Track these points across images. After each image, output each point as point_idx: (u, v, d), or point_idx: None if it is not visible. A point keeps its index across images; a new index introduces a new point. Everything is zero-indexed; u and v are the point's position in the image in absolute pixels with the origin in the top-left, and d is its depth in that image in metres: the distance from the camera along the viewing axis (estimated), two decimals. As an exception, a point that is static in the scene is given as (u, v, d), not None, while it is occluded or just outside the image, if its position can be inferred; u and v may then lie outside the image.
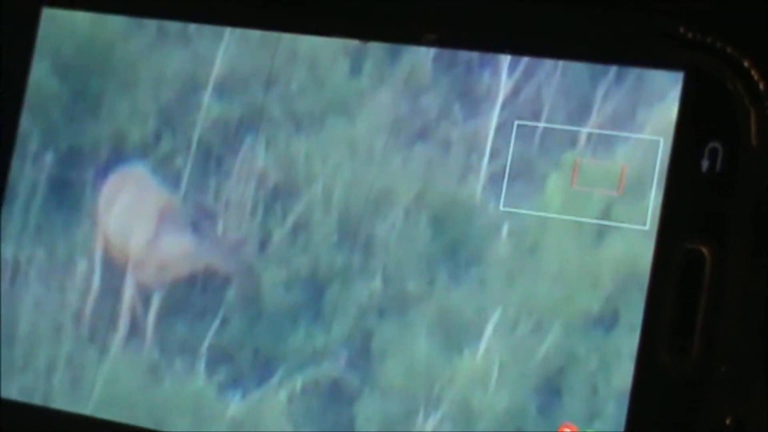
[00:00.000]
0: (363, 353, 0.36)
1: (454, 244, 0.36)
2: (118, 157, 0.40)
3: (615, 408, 0.33)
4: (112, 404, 0.39)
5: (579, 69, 0.35)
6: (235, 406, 0.37)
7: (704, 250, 0.32)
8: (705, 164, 0.33)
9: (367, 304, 0.36)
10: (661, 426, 0.33)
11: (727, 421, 0.32)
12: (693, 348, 0.33)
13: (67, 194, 0.41)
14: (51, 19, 0.42)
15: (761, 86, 0.32)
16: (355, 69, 0.38)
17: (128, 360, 0.39)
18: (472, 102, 0.36)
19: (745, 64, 0.33)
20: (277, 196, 0.38)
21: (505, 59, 0.35)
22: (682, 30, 0.33)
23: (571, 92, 0.35)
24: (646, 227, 0.33)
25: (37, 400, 0.40)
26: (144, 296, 0.39)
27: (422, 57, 0.36)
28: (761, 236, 0.33)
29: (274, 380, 0.37)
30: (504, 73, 0.36)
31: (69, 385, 0.39)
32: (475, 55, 0.36)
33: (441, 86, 0.36)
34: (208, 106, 0.39)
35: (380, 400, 0.35)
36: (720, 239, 0.32)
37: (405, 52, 0.37)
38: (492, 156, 0.35)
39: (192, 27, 0.39)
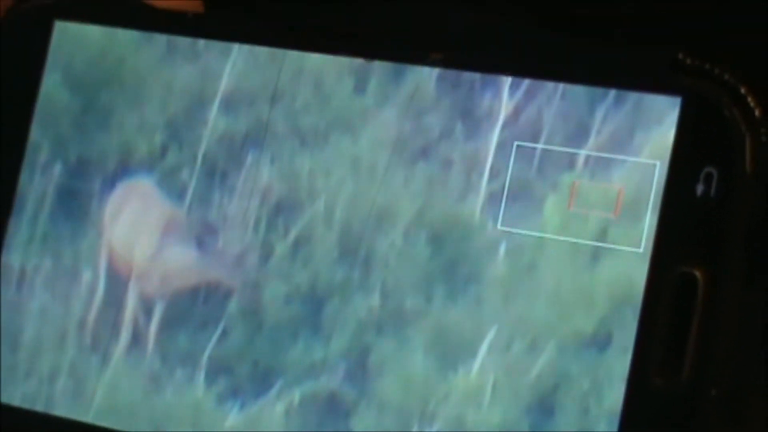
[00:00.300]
0: (360, 368, 0.37)
1: (452, 262, 0.37)
2: (124, 169, 0.41)
3: (606, 428, 0.34)
4: (113, 412, 0.39)
5: (578, 92, 0.36)
6: (233, 417, 0.38)
7: (697, 273, 0.33)
8: (700, 189, 0.33)
9: (366, 319, 0.37)
10: None
11: None
12: (684, 371, 0.33)
13: (74, 205, 0.41)
14: (63, 31, 0.43)
15: (757, 113, 0.33)
16: (360, 87, 0.39)
17: (129, 369, 0.39)
18: (473, 122, 0.37)
19: (742, 90, 0.33)
20: (280, 211, 0.39)
21: (507, 81, 0.36)
22: (680, 56, 0.34)
23: (570, 115, 0.36)
24: (641, 250, 0.34)
25: (39, 407, 0.40)
26: (146, 307, 0.40)
27: (426, 77, 0.38)
28: (754, 261, 0.33)
29: (273, 392, 0.37)
30: (505, 94, 0.37)
31: (71, 392, 0.40)
32: (477, 76, 0.37)
33: (443, 106, 0.37)
34: (215, 121, 0.40)
35: (376, 414, 0.36)
36: (713, 263, 0.33)
37: (409, 72, 0.38)
38: (491, 176, 0.36)
39: (201, 42, 0.40)
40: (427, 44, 0.38)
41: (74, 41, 0.43)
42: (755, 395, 0.34)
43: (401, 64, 0.38)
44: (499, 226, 0.36)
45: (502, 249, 0.36)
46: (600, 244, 0.35)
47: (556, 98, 0.36)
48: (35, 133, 0.42)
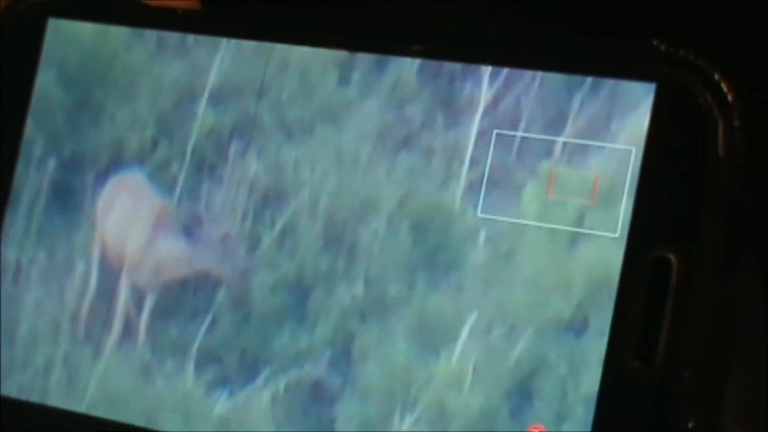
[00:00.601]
0: (344, 355, 0.38)
1: (433, 250, 0.38)
2: (116, 163, 0.42)
3: (583, 411, 0.34)
4: (106, 402, 0.41)
5: (556, 80, 0.37)
6: (221, 405, 0.39)
7: (672, 258, 0.34)
8: (674, 174, 0.34)
9: (350, 307, 0.38)
10: (625, 428, 0.34)
11: (690, 425, 0.33)
12: (658, 354, 0.34)
13: (68, 198, 0.43)
14: (56, 29, 0.44)
15: (730, 98, 0.34)
16: (344, 79, 0.40)
17: (121, 360, 0.41)
18: (453, 111, 0.38)
19: (716, 76, 0.34)
20: (267, 203, 0.40)
21: (486, 70, 0.38)
22: (655, 43, 0.35)
23: (548, 102, 0.37)
24: (617, 235, 0.35)
25: (34, 398, 0.42)
26: (138, 298, 0.41)
27: (407, 68, 0.39)
28: (727, 246, 0.34)
29: (260, 381, 0.38)
30: (485, 83, 0.38)
31: (65, 383, 0.41)
32: (457, 66, 0.38)
33: (425, 96, 0.39)
34: (203, 115, 0.41)
35: (360, 401, 0.37)
36: (688, 248, 0.34)
37: (391, 63, 0.39)
38: (471, 164, 0.37)
39: (190, 38, 0.41)
40: (408, 36, 0.38)
41: (67, 38, 0.44)
42: (731, 379, 0.35)
43: (383, 55, 0.39)
44: (479, 214, 0.37)
45: (482, 236, 0.37)
46: (577, 229, 0.36)
47: (534, 86, 0.37)
48: (30, 128, 0.43)
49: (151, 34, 0.43)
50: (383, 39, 0.40)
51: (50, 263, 0.43)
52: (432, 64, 0.39)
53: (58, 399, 0.42)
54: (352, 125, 0.40)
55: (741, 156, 0.35)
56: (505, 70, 0.37)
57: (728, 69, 0.35)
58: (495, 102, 0.38)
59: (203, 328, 0.40)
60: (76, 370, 0.42)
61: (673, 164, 0.35)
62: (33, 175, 0.43)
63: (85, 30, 0.44)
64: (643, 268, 0.35)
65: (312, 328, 0.39)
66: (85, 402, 0.41)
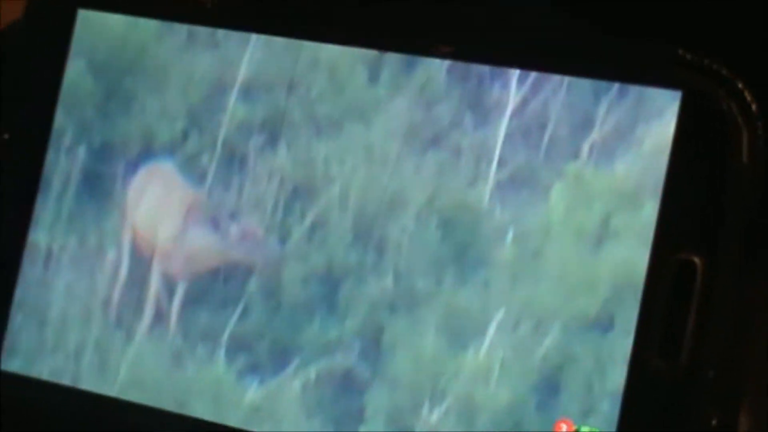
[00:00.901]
0: (374, 346, 0.37)
1: (461, 246, 0.37)
2: (147, 153, 0.41)
3: (608, 407, 0.34)
4: (137, 387, 0.40)
5: (583, 85, 0.36)
6: (252, 392, 0.38)
7: (696, 260, 0.34)
8: (700, 179, 0.34)
9: (379, 300, 0.37)
10: (650, 425, 0.34)
11: (713, 423, 0.33)
12: (682, 353, 0.34)
13: (99, 187, 0.42)
14: (86, 20, 0.43)
15: (753, 107, 0.34)
16: (373, 77, 0.39)
17: (153, 346, 0.40)
18: (482, 112, 0.37)
19: (739, 85, 0.34)
20: (297, 196, 0.39)
21: (515, 73, 0.37)
22: (680, 51, 0.34)
23: (576, 106, 0.36)
24: (643, 237, 0.35)
25: (66, 381, 0.41)
26: (169, 286, 0.40)
27: (436, 68, 0.38)
28: (750, 250, 0.34)
29: (290, 369, 0.38)
30: (513, 86, 0.37)
31: (96, 367, 0.41)
32: (486, 69, 0.37)
33: (453, 96, 0.38)
34: (234, 109, 0.40)
35: (388, 391, 0.37)
36: (712, 251, 0.34)
37: (420, 64, 0.38)
38: (500, 164, 0.36)
39: (220, 32, 0.40)
40: (437, 36, 0.38)
41: (97, 29, 0.43)
42: (754, 378, 0.35)
43: (413, 55, 0.38)
44: (506, 213, 0.36)
45: (509, 234, 0.36)
46: (603, 231, 0.35)
47: (561, 90, 0.36)
48: (60, 117, 0.43)
49: (180, 27, 0.42)
50: (412, 39, 0.39)
51: (81, 250, 0.42)
52: (461, 66, 0.38)
53: (89, 383, 0.41)
54: (381, 123, 0.39)
55: (764, 163, 0.34)
56: (533, 74, 0.36)
57: (751, 78, 0.34)
58: (523, 104, 0.37)
59: (234, 317, 0.39)
60: (107, 355, 0.41)
61: (697, 170, 0.35)
62: (63, 164, 0.42)
63: (114, 21, 0.43)
64: (668, 269, 0.34)
65: (342, 319, 0.38)
66: (116, 386, 0.40)
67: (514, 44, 0.38)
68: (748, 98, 0.35)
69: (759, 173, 0.35)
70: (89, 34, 0.43)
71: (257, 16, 0.41)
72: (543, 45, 0.38)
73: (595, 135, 0.36)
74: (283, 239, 0.39)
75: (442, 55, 0.38)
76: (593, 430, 0.34)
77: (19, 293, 0.43)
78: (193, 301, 0.40)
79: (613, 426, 0.34)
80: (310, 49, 0.40)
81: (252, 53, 0.41)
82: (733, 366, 0.35)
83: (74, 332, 0.42)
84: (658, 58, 0.36)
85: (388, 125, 0.39)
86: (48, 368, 0.41)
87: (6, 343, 0.43)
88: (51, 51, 0.43)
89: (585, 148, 0.36)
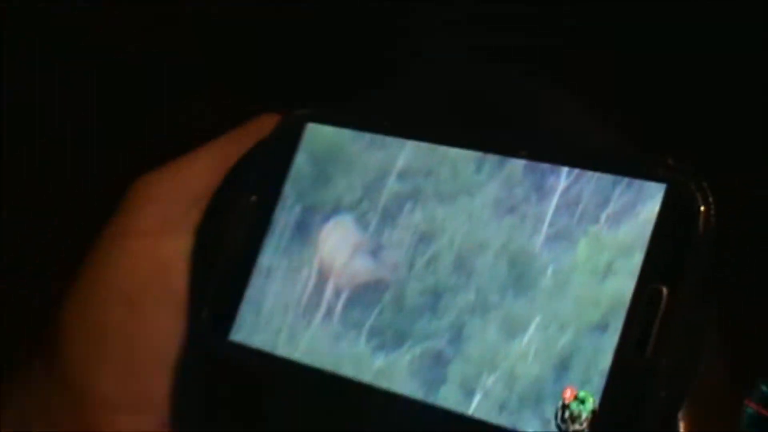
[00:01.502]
0: (457, 337, 0.42)
1: (520, 276, 0.41)
2: (335, 212, 0.46)
3: (598, 380, 0.38)
4: (312, 355, 0.44)
5: (605, 178, 0.41)
6: (380, 362, 0.43)
7: (664, 289, 0.38)
8: (671, 241, 0.39)
9: (464, 307, 0.42)
10: (623, 393, 0.38)
11: (662, 395, 0.37)
12: (649, 348, 0.38)
13: (304, 231, 0.47)
14: (311, 130, 0.48)
15: (710, 198, 0.39)
16: (478, 170, 0.44)
17: (323, 330, 0.45)
18: (542, 193, 0.42)
19: (703, 184, 0.39)
20: (422, 241, 0.44)
21: (564, 170, 0.42)
22: (669, 159, 0.40)
23: (599, 191, 0.41)
24: (631, 275, 0.39)
25: (268, 348, 0.45)
26: (337, 293, 0.45)
27: (517, 165, 0.43)
28: (699, 286, 0.38)
29: (404, 348, 0.42)
30: (563, 177, 0.42)
31: (289, 341, 0.45)
32: (547, 166, 0.42)
33: (526, 183, 0.43)
34: (390, 186, 0.45)
35: (463, 366, 0.41)
36: (673, 284, 0.38)
37: (507, 162, 0.43)
38: (549, 225, 0.41)
39: (388, 138, 0.46)
40: (518, 144, 0.44)
41: (317, 136, 0.48)
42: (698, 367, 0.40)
43: (503, 156, 0.43)
44: (550, 256, 0.41)
45: (549, 270, 0.41)
46: (608, 270, 0.40)
47: (592, 181, 0.41)
48: (287, 187, 0.48)
49: (365, 134, 0.47)
50: (503, 145, 0.44)
51: (288, 269, 0.47)
52: (532, 164, 0.43)
53: (283, 350, 0.45)
54: (480, 198, 0.44)
55: (713, 233, 0.39)
56: (575, 170, 0.42)
57: (712, 176, 0.39)
58: (567, 189, 0.42)
59: (374, 314, 0.44)
60: (296, 335, 0.45)
61: (670, 235, 0.39)
62: (285, 216, 0.47)
63: (327, 131, 0.48)
64: (645, 294, 0.39)
65: (440, 319, 0.42)
66: (299, 353, 0.45)
67: (563, 151, 0.43)
68: (707, 192, 0.39)
69: (710, 241, 0.39)
70: (313, 137, 0.48)
71: (410, 127, 0.46)
72: (582, 151, 0.43)
73: (609, 209, 0.41)
74: (410, 267, 0.44)
75: (521, 157, 0.43)
76: (588, 393, 0.39)
77: (248, 294, 0.47)
78: (350, 303, 0.45)
79: (600, 391, 0.38)
80: (441, 150, 0.45)
81: (406, 153, 0.46)
82: (683, 357, 0.39)
83: (278, 319, 0.46)
84: (653, 163, 0.41)
85: (484, 199, 0.43)
86: (260, 340, 0.46)
87: (236, 325, 0.46)
88: (288, 149, 0.48)
89: (603, 217, 0.41)
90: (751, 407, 0.58)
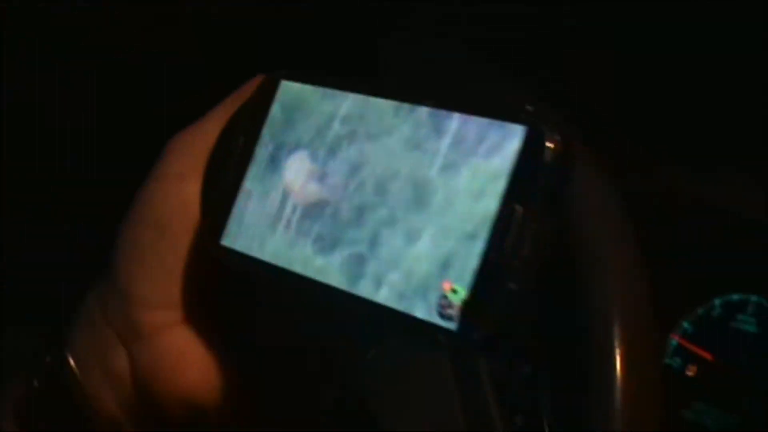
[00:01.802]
0: (374, 242, 0.49)
1: (419, 197, 0.48)
2: (296, 148, 0.54)
3: (469, 277, 0.44)
4: (276, 256, 0.51)
5: (483, 121, 0.46)
6: (319, 262, 0.50)
7: (519, 207, 0.43)
8: (528, 169, 0.44)
9: (379, 220, 0.49)
10: (485, 281, 0.43)
11: (512, 287, 0.43)
12: (506, 253, 0.44)
13: (274, 164, 0.54)
14: (285, 87, 0.54)
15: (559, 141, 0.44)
16: (395, 115, 0.50)
17: (284, 236, 0.52)
18: (438, 133, 0.48)
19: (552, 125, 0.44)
20: (353, 170, 0.51)
21: (455, 115, 0.47)
22: (527, 106, 0.45)
23: (479, 132, 0.46)
24: (496, 196, 0.44)
25: (245, 250, 0.53)
26: (294, 209, 0.52)
27: (422, 112, 0.49)
28: (551, 202, 0.44)
29: (337, 251, 0.50)
30: (455, 121, 0.47)
31: (259, 245, 0.53)
32: (443, 111, 0.48)
33: (428, 125, 0.48)
34: (335, 128, 0.53)
35: (377, 264, 0.48)
36: (527, 203, 0.44)
37: (416, 108, 0.49)
38: (443, 157, 0.48)
39: (336, 92, 0.52)
40: (424, 94, 0.48)
41: (288, 91, 0.55)
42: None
43: (413, 105, 0.49)
44: (441, 181, 0.46)
45: (440, 192, 0.47)
46: (481, 193, 0.45)
47: (475, 124, 0.47)
48: (264, 132, 0.55)
49: (319, 89, 0.53)
50: (413, 96, 0.49)
51: (262, 191, 0.54)
52: (433, 111, 0.49)
53: (256, 252, 0.53)
54: (395, 136, 0.50)
55: (558, 164, 0.44)
56: (463, 115, 0.47)
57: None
58: (457, 129, 0.47)
59: (318, 225, 0.51)
60: (264, 239, 0.53)
61: (527, 166, 0.44)
62: (261, 153, 0.54)
63: (295, 87, 0.55)
64: (506, 212, 0.44)
65: (362, 229, 0.49)
66: (266, 255, 0.53)
67: (455, 100, 0.48)
68: (556, 131, 0.44)
69: (555, 171, 0.44)
70: (285, 92, 0.55)
71: (351, 84, 0.52)
72: (468, 100, 0.47)
73: (485, 145, 0.46)
74: (345, 190, 0.51)
75: (426, 105, 0.49)
76: (460, 286, 0.44)
77: (234, 210, 0.54)
78: (302, 217, 0.52)
79: (469, 285, 0.44)
80: (371, 100, 0.51)
81: (347, 103, 0.52)
82: (531, 258, 0.44)
83: (253, 229, 0.53)
84: (517, 109, 0.46)
85: (398, 138, 0.50)
86: (240, 245, 0.54)
87: (225, 233, 0.54)
88: (265, 101, 0.55)
89: (480, 151, 0.46)
90: (675, 339, 0.70)
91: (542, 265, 0.45)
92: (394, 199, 0.49)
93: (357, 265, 0.49)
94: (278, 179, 0.54)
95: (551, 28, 0.71)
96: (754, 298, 0.68)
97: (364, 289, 0.48)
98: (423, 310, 0.46)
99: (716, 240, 0.73)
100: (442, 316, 0.45)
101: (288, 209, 0.53)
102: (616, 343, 0.50)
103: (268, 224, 0.53)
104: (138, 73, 0.71)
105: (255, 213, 0.54)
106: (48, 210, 0.72)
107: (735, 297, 0.69)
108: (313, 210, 0.52)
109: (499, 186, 0.45)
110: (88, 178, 0.72)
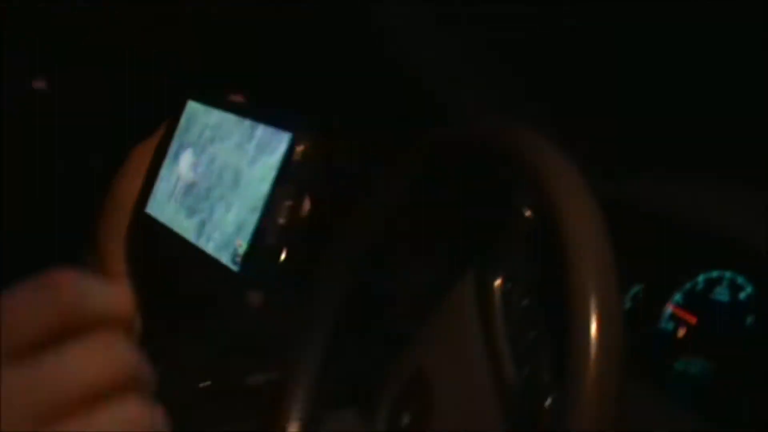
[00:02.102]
0: (211, 212, 0.69)
1: (234, 182, 0.67)
2: (186, 147, 0.74)
3: (250, 235, 0.62)
4: (168, 220, 0.72)
5: (269, 128, 0.62)
6: (186, 224, 0.70)
7: (292, 189, 0.64)
8: (290, 164, 0.59)
9: (215, 197, 0.69)
10: (261, 246, 0.63)
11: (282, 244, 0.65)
12: (279, 222, 0.66)
13: (176, 157, 0.74)
14: (189, 105, 0.71)
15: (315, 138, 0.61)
16: (234, 125, 0.67)
17: (172, 207, 0.74)
18: (248, 137, 0.66)
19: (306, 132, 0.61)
20: (209, 162, 0.70)
21: (259, 124, 0.65)
22: (295, 115, 0.63)
23: (267, 136, 0.62)
24: (270, 182, 0.63)
25: (155, 215, 0.71)
26: (179, 187, 0.72)
27: (246, 123, 0.66)
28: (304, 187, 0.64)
29: (196, 216, 0.69)
30: (259, 128, 0.64)
31: (161, 208, 0.71)
32: (252, 121, 0.64)
33: (245, 131, 0.66)
34: (203, 133, 0.73)
35: (210, 227, 0.69)
36: (298, 190, 0.61)
37: (242, 120, 0.67)
38: (250, 154, 0.67)
39: (210, 108, 0.72)
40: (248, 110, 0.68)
41: (190, 108, 0.72)
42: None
43: (239, 117, 0.67)
44: (247, 171, 0.66)
45: (244, 179, 0.65)
46: (262, 180, 0.62)
47: (266, 130, 0.62)
48: (175, 137, 0.73)
49: (202, 106, 0.71)
50: (241, 112, 0.66)
51: (169, 176, 0.72)
52: (251, 122, 0.64)
53: (161, 217, 0.71)
54: (230, 140, 0.66)
55: (306, 162, 0.58)
56: (262, 124, 0.63)
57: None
58: (259, 134, 0.64)
59: (188, 199, 0.68)
60: (163, 208, 0.71)
61: (289, 162, 0.59)
62: (171, 150, 0.73)
63: (194, 105, 0.72)
64: (277, 193, 0.61)
65: (207, 202, 0.68)
66: (163, 218, 0.70)
67: (257, 113, 0.64)
68: (308, 136, 0.59)
69: (300, 168, 0.59)
70: (189, 109, 0.72)
71: (219, 102, 0.67)
72: (265, 113, 0.63)
73: (270, 145, 0.61)
74: (203, 175, 0.68)
75: (248, 118, 0.65)
76: (245, 241, 0.60)
77: (155, 188, 0.72)
78: (182, 193, 0.69)
79: (249, 240, 0.60)
80: (221, 113, 0.68)
81: (212, 116, 0.69)
82: (286, 221, 0.58)
83: (160, 201, 0.71)
84: (288, 118, 0.60)
85: (231, 141, 0.66)
86: (153, 212, 0.71)
87: (149, 204, 0.71)
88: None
89: (267, 149, 0.61)
90: (669, 308, 0.77)
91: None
92: (224, 183, 0.66)
93: (201, 227, 0.67)
94: (176, 167, 0.73)
95: (551, 28, 0.74)
96: (728, 273, 0.75)
97: (203, 244, 0.66)
98: (227, 258, 0.63)
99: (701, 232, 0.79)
100: (234, 262, 0.63)
101: (178, 188, 0.71)
102: (591, 311, 0.52)
103: (167, 198, 0.72)
104: (138, 73, 0.74)
105: (163, 190, 0.72)
106: (47, 208, 0.78)
107: (715, 273, 0.76)
108: (187, 188, 0.70)
109: (272, 175, 0.62)
110: (88, 177, 0.80)
